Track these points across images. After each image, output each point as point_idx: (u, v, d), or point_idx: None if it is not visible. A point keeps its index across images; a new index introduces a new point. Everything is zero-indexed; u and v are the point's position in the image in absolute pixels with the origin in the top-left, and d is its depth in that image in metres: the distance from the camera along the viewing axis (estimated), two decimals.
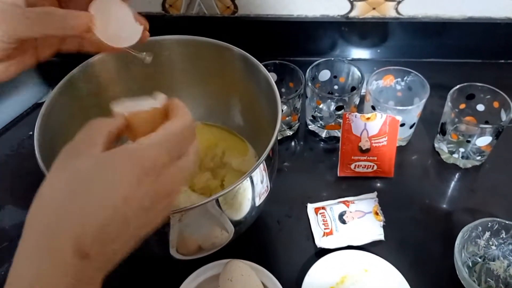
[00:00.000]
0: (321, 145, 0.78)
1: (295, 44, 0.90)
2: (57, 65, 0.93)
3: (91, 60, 0.59)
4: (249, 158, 0.66)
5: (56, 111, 0.55)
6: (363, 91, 0.74)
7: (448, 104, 0.69)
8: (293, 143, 0.78)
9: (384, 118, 0.69)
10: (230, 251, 0.58)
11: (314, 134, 0.78)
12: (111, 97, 0.63)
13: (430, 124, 0.78)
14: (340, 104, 0.72)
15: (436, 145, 0.75)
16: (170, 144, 0.34)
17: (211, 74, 0.65)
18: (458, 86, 0.71)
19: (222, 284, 0.52)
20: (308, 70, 0.74)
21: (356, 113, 0.69)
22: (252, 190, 0.51)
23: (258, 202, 0.54)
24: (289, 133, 0.78)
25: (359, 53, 0.91)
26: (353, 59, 0.91)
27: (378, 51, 0.90)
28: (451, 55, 0.89)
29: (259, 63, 0.57)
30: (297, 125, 0.78)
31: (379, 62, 0.90)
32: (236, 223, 0.53)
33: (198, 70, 0.65)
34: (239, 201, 0.50)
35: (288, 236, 0.66)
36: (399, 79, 0.74)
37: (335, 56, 0.90)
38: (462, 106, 0.73)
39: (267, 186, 0.55)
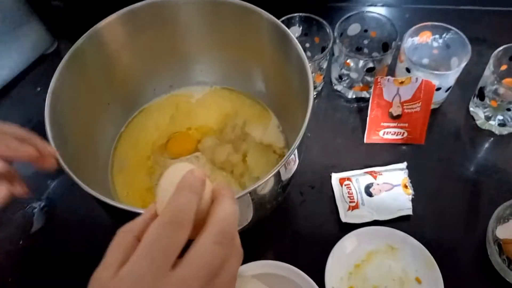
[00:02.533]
0: (347, 106, 0.72)
1: None
2: (61, 11, 0.87)
3: (98, 27, 0.53)
4: (271, 128, 0.62)
5: (65, 86, 0.50)
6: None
7: (490, 67, 0.63)
8: (316, 105, 0.73)
9: (419, 83, 0.63)
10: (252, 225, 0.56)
11: (339, 94, 0.73)
12: (121, 65, 0.59)
13: (465, 84, 0.71)
14: (371, 65, 0.66)
15: (471, 109, 0.70)
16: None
17: (233, 38, 0.59)
18: (503, 47, 0.64)
19: None
20: (336, 26, 0.67)
21: (389, 77, 0.63)
22: (281, 177, 0.48)
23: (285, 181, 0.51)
24: (313, 93, 0.72)
25: None
26: (384, 5, 0.82)
27: None
28: (493, 2, 0.80)
29: (289, 32, 0.51)
30: (321, 85, 0.72)
31: (412, 9, 0.82)
32: (262, 209, 0.50)
33: (218, 33, 0.59)
34: (267, 190, 0.47)
35: (312, 209, 0.63)
36: (436, 36, 0.67)
37: (364, 4, 0.82)
38: (504, 67, 0.66)
39: (296, 163, 0.51)
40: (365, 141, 0.68)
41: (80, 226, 0.64)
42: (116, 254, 0.29)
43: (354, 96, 0.72)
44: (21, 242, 0.62)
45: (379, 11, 0.82)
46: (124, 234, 0.31)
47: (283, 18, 0.67)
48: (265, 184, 0.45)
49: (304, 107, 0.48)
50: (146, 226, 0.30)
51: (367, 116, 0.67)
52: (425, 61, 0.71)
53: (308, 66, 0.48)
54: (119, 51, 0.57)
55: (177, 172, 0.32)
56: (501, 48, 0.64)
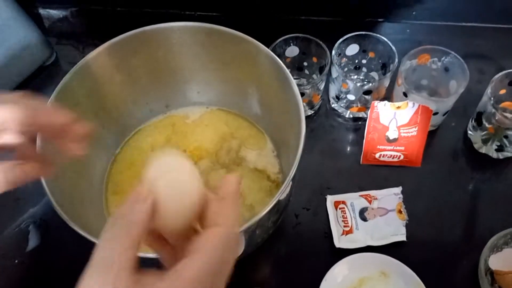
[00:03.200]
0: (344, 124, 0.72)
1: (322, 1, 0.80)
2: (60, 20, 0.87)
3: (87, 59, 0.53)
4: (266, 153, 0.62)
5: None
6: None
7: (488, 94, 0.62)
8: (313, 123, 0.72)
9: (416, 107, 0.63)
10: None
11: (336, 112, 0.73)
12: (115, 89, 0.58)
13: (465, 104, 0.70)
14: (369, 89, 0.66)
15: (469, 131, 0.69)
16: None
17: (228, 61, 0.58)
18: (503, 73, 0.63)
19: None
20: (335, 46, 0.66)
21: (386, 102, 0.63)
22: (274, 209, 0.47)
23: (278, 214, 0.51)
24: (310, 112, 0.72)
25: (392, 14, 0.81)
26: (384, 20, 0.81)
27: (414, 13, 0.80)
28: (496, 19, 0.79)
29: (283, 65, 0.50)
30: (319, 104, 0.72)
31: (413, 25, 0.81)
32: (253, 243, 0.50)
33: (213, 56, 0.58)
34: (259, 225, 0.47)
35: (305, 233, 0.63)
36: (435, 59, 0.66)
37: (364, 17, 0.81)
38: (502, 91, 0.66)
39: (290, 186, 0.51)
40: (361, 163, 0.68)
41: (77, 243, 0.64)
42: None
43: (351, 116, 0.72)
44: (16, 261, 0.63)
45: (379, 26, 0.81)
46: None
47: (280, 39, 0.66)
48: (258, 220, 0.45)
49: (297, 136, 0.48)
50: None
51: (364, 135, 0.66)
52: (424, 82, 0.70)
53: (301, 102, 0.47)
54: (112, 76, 0.57)
55: (167, 162, 0.30)
56: (501, 73, 0.63)
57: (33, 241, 0.64)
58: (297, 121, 0.48)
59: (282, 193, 0.45)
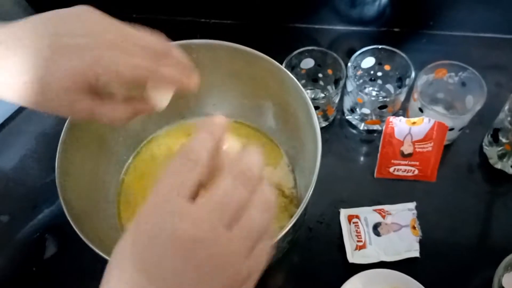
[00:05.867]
0: (359, 136, 0.72)
1: (334, 9, 0.80)
2: None
3: None
4: (281, 167, 0.62)
5: (71, 140, 0.51)
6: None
7: (505, 110, 0.62)
8: (327, 134, 0.72)
9: (431, 123, 0.62)
10: None
11: (351, 124, 0.73)
12: None
13: (480, 117, 0.70)
14: (384, 103, 0.66)
15: (485, 147, 0.69)
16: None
17: (244, 76, 0.58)
18: None
19: None
20: (350, 61, 0.66)
21: (401, 117, 0.63)
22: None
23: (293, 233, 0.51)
24: (324, 124, 0.72)
25: (408, 24, 0.80)
26: (400, 30, 0.81)
27: (431, 23, 0.79)
28: None
29: (299, 84, 0.50)
30: (333, 116, 0.72)
31: (430, 35, 0.80)
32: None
33: (230, 72, 0.59)
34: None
35: (319, 245, 0.63)
36: (452, 74, 0.66)
37: (379, 26, 0.80)
38: None
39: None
40: (375, 176, 0.68)
41: (94, 252, 0.65)
42: None
43: (366, 128, 0.71)
44: (34, 269, 0.64)
45: (395, 35, 0.81)
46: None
47: (296, 51, 0.66)
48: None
49: (312, 155, 0.48)
50: None
51: (378, 147, 0.66)
52: (440, 95, 0.69)
53: (316, 118, 0.48)
54: None
55: None
56: None
57: (50, 249, 0.65)
58: (313, 141, 0.48)
59: (297, 215, 0.45)
